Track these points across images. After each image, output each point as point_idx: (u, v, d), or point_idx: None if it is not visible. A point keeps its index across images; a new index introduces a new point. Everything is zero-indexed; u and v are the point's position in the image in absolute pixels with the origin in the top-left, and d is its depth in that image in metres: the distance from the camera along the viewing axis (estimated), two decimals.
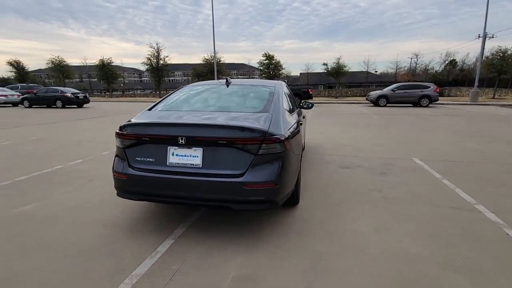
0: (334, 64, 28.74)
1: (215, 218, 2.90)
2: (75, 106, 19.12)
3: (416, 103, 18.06)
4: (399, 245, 2.41)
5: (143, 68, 34.26)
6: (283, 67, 30.40)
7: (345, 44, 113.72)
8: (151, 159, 2.41)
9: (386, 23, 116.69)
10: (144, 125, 2.49)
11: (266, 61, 29.94)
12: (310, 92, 19.70)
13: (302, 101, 5.09)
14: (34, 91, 19.33)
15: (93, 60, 34.56)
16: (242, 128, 2.27)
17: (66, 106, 18.48)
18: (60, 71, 33.70)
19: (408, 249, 2.35)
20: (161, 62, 31.74)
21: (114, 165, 2.56)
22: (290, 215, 2.95)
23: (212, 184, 2.24)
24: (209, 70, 30.46)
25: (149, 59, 31.41)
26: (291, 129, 2.71)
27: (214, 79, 24.55)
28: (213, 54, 28.15)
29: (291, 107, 3.47)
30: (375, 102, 18.89)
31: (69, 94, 18.22)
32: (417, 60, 47.90)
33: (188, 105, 3.00)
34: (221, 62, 31.95)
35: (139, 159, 2.44)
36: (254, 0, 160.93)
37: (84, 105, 19.96)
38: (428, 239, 2.50)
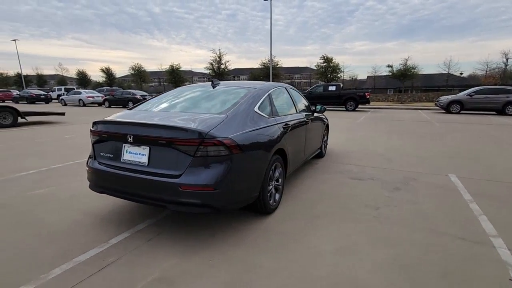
0: (401, 65, 26.08)
1: (182, 218, 2.92)
2: None
3: (500, 111, 15.15)
4: (352, 272, 2.06)
5: (206, 72, 36.67)
6: (342, 69, 28.95)
7: (425, 44, 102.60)
8: (110, 155, 2.57)
9: (479, 18, 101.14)
10: (105, 122, 2.66)
11: (324, 64, 28.96)
12: (367, 96, 18.29)
13: (317, 106, 4.78)
14: (113, 94, 22.46)
15: (167, 66, 38.14)
16: (179, 129, 2.24)
17: None
18: (138, 76, 38.56)
19: (359, 278, 1.99)
20: (222, 66, 33.53)
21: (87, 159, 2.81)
22: (256, 224, 2.79)
23: (152, 183, 2.27)
24: (265, 74, 30.96)
25: (211, 64, 33.50)
26: (254, 133, 2.57)
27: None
28: (273, 58, 28.48)
29: (277, 110, 3.28)
30: (446, 109, 16.48)
31: (138, 96, 20.63)
32: (507, 61, 40.10)
33: (160, 105, 3.10)
34: (278, 66, 32.12)
35: (102, 154, 2.63)
36: (324, 2, 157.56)
37: None
38: (396, 271, 2.07)
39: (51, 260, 2.19)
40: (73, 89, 30.01)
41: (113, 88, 29.25)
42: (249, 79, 33.66)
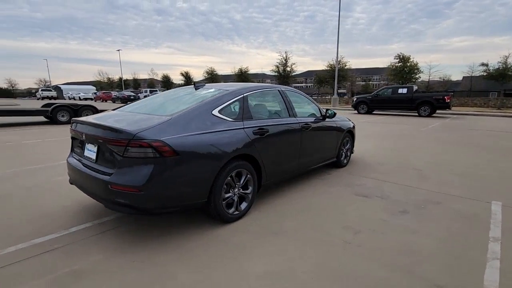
0: (500, 64, 21.44)
1: (146, 217, 2.99)
2: None
3: None
4: None
5: (273, 75, 37.15)
6: (422, 70, 25.44)
7: None
8: (78, 151, 2.81)
9: None
10: (75, 121, 2.91)
11: (399, 64, 25.96)
12: (447, 100, 15.70)
13: (328, 111, 4.33)
14: None
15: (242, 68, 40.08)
16: (111, 129, 2.30)
17: None
18: (211, 79, 41.62)
19: None
20: (288, 69, 33.42)
21: None
22: (207, 232, 2.67)
23: (94, 180, 2.39)
24: (331, 76, 29.57)
25: (277, 66, 33.74)
26: (202, 136, 2.47)
27: (335, 85, 23.67)
28: (340, 59, 27.08)
29: (251, 114, 3.08)
30: None
31: None
32: None
33: (135, 106, 3.22)
34: (347, 67, 30.26)
35: (75, 149, 2.90)
36: None
37: None
38: None
39: (16, 238, 2.52)
40: (156, 91, 34.20)
41: None
42: (314, 81, 32.61)
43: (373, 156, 5.84)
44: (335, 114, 4.42)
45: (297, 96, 4.08)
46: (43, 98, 43.62)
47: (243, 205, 2.94)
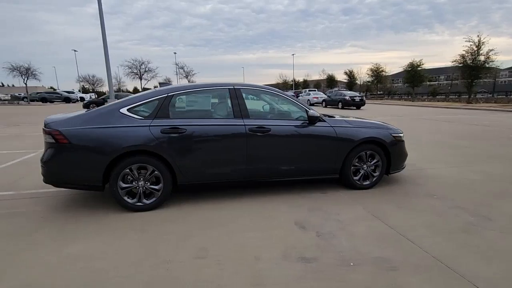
0: None
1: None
2: (354, 107, 21.55)
3: None
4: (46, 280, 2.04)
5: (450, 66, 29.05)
6: None
7: None
8: None
9: None
10: None
11: None
12: None
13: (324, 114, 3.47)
14: (328, 94, 24.32)
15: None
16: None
17: (345, 107, 21.45)
18: (375, 76, 38.04)
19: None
20: (482, 58, 25.08)
21: None
22: (116, 214, 3.06)
23: None
24: None
25: (463, 56, 26.10)
26: (98, 130, 2.89)
27: None
28: None
29: (170, 113, 3.14)
30: None
31: (347, 97, 21.00)
32: None
33: None
34: None
35: None
36: None
37: (362, 107, 21.88)
38: None
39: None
40: (315, 91, 35.45)
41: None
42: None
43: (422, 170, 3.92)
44: (317, 119, 3.48)
45: (272, 96, 3.56)
46: None
47: (149, 200, 3.09)
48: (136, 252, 2.32)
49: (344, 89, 33.40)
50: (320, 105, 25.50)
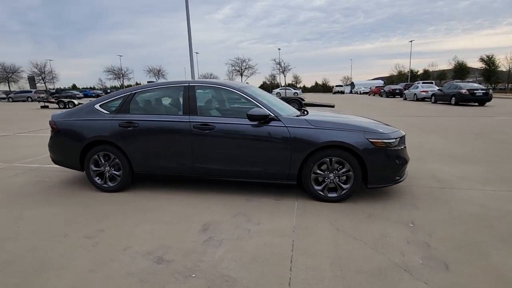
0: None
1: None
2: (475, 103, 17.11)
3: None
4: None
5: None
6: None
7: None
8: None
9: None
10: None
11: None
12: None
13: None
14: (440, 87, 20.05)
15: None
16: None
17: (461, 103, 17.28)
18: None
19: None
20: None
21: None
22: (90, 192, 3.76)
23: None
24: None
25: None
26: (77, 122, 3.60)
27: None
28: None
29: (129, 109, 3.57)
30: None
31: (463, 91, 16.84)
32: None
33: None
34: None
35: None
36: None
37: (486, 103, 17.12)
38: None
39: None
40: (432, 83, 29.83)
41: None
42: None
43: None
44: (264, 119, 3.16)
45: (228, 93, 3.49)
46: (334, 92, 53.29)
47: (113, 183, 3.61)
48: (56, 222, 2.83)
49: (472, 81, 26.58)
50: (429, 100, 21.35)
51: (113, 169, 3.61)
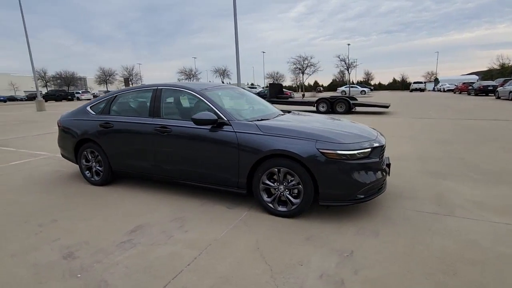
0: None
1: None
2: None
3: None
4: None
5: None
6: None
7: None
8: None
9: None
10: None
11: None
12: None
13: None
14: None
15: None
16: None
17: None
18: None
19: None
20: None
21: None
22: (81, 186, 4.24)
23: None
24: None
25: None
26: (73, 121, 4.09)
27: None
28: None
29: (110, 110, 3.86)
30: None
31: None
32: None
33: None
34: None
35: None
36: None
37: None
38: None
39: None
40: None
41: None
42: None
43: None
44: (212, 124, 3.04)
45: (190, 96, 3.47)
46: (411, 90, 47.14)
47: (98, 178, 3.98)
48: (31, 208, 3.26)
49: None
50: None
51: (97, 165, 3.99)
